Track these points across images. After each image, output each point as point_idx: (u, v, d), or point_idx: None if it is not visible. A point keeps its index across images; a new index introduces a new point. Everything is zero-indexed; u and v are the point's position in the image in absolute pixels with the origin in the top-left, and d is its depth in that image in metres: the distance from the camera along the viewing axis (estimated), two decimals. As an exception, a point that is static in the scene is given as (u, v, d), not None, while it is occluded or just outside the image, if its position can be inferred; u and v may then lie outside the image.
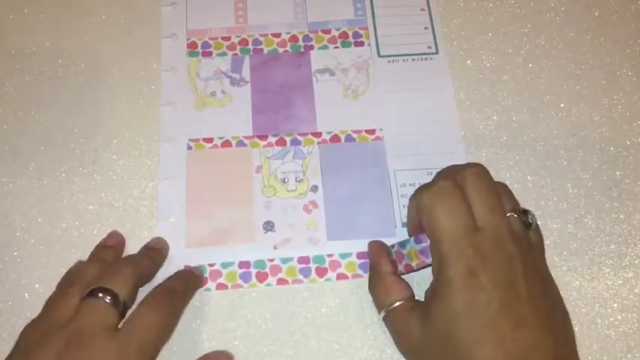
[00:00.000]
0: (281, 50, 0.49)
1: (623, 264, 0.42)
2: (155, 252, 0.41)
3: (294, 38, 0.50)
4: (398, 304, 0.37)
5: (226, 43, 0.49)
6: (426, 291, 0.37)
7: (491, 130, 0.46)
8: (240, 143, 0.46)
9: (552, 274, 0.41)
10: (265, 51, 0.49)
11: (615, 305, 0.41)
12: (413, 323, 0.35)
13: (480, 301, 0.32)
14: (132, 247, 0.43)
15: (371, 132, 0.46)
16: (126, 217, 0.44)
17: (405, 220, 0.43)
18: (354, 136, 0.46)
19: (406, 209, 0.41)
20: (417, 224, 0.37)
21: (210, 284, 0.41)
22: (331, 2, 0.51)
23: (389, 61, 0.49)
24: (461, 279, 0.33)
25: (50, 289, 0.41)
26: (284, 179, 0.45)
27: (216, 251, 0.42)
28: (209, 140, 0.46)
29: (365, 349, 0.40)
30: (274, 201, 0.44)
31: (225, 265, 0.42)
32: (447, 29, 0.50)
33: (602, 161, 0.45)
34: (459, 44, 0.49)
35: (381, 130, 0.46)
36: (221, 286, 0.41)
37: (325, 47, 0.49)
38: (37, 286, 0.42)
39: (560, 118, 0.47)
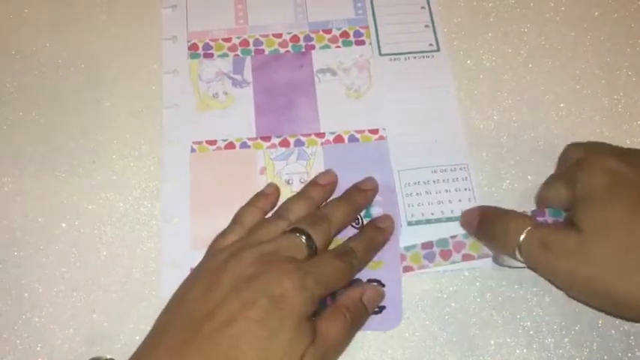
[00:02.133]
0: (282, 50, 0.49)
1: (624, 263, 0.42)
2: (361, 196, 0.42)
3: (295, 38, 0.50)
4: (532, 226, 0.37)
5: (227, 45, 0.49)
6: (565, 216, 0.38)
7: (491, 130, 0.46)
8: (244, 145, 0.46)
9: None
10: (267, 51, 0.49)
11: (616, 305, 0.41)
12: (566, 232, 0.35)
13: (630, 191, 0.34)
14: (132, 247, 0.43)
15: (374, 132, 0.46)
16: (126, 217, 0.44)
17: (410, 218, 0.43)
18: (357, 136, 0.46)
19: (410, 208, 0.43)
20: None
21: None
22: (332, 1, 0.51)
23: (390, 60, 0.49)
24: (606, 182, 0.35)
25: (50, 289, 0.41)
26: (288, 180, 0.44)
27: None
28: (212, 142, 0.46)
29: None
30: (279, 202, 0.44)
31: None
32: (447, 29, 0.50)
33: (602, 161, 0.45)
34: (459, 44, 0.49)
35: (384, 129, 0.46)
36: None
37: (327, 47, 0.49)
38: (37, 286, 0.41)
39: (560, 118, 0.47)
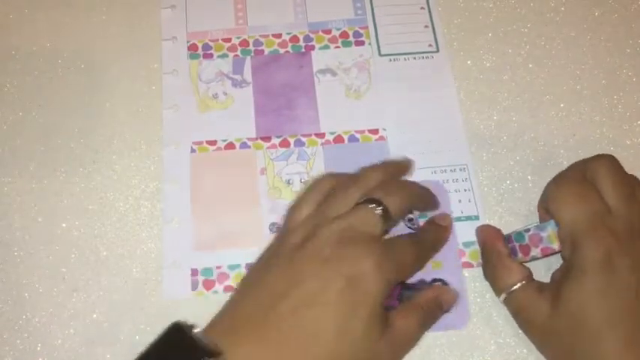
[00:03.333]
0: (282, 51, 0.49)
1: (624, 263, 0.42)
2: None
3: (294, 39, 0.50)
4: (520, 285, 0.37)
5: (227, 45, 0.49)
6: (553, 273, 0.38)
7: (491, 130, 0.46)
8: (244, 145, 0.46)
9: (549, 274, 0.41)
10: (266, 52, 0.49)
11: (616, 305, 0.41)
12: (541, 304, 0.35)
13: (617, 284, 0.33)
14: (132, 247, 0.43)
15: (374, 132, 0.46)
16: (126, 217, 0.44)
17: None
18: (358, 136, 0.46)
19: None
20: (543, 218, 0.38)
21: (218, 286, 0.41)
22: (331, 2, 0.51)
23: (390, 60, 0.49)
24: (597, 262, 0.33)
25: (50, 289, 0.41)
26: (289, 181, 0.44)
27: (224, 254, 0.42)
28: (212, 143, 0.46)
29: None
30: (280, 203, 0.44)
31: (232, 268, 0.42)
32: (447, 29, 0.50)
33: (602, 161, 0.45)
34: (459, 44, 0.49)
35: (385, 130, 0.46)
36: (228, 288, 0.41)
37: (326, 47, 0.49)
38: (37, 286, 0.41)
39: (560, 118, 0.47)
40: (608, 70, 0.48)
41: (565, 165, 0.45)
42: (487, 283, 0.41)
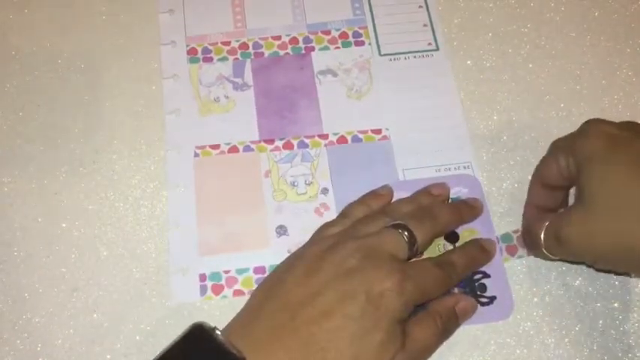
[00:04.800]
0: (282, 53, 0.49)
1: (624, 263, 0.42)
2: (467, 210, 0.42)
3: (294, 40, 0.49)
4: (545, 226, 0.37)
5: (226, 48, 0.49)
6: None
7: (491, 130, 0.46)
8: (247, 148, 0.46)
9: (553, 274, 0.41)
10: (266, 54, 0.49)
11: (616, 304, 0.41)
12: (571, 216, 0.36)
13: (624, 151, 0.35)
14: (132, 247, 0.43)
15: (377, 132, 0.46)
16: (126, 217, 0.44)
17: None
18: (361, 136, 0.46)
19: None
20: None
21: (227, 291, 0.41)
22: (329, 2, 0.51)
23: (390, 60, 0.49)
24: (600, 148, 0.35)
25: (50, 289, 0.41)
26: (294, 183, 0.44)
27: (231, 258, 0.42)
28: (215, 147, 0.46)
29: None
30: (285, 205, 0.44)
31: (240, 272, 0.42)
32: (447, 29, 0.50)
33: (602, 161, 0.45)
34: (459, 44, 0.49)
35: (387, 129, 0.46)
36: (238, 293, 0.41)
37: (326, 48, 0.49)
38: (37, 286, 0.41)
39: (560, 118, 0.47)
40: (608, 70, 0.48)
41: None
42: (487, 283, 0.41)
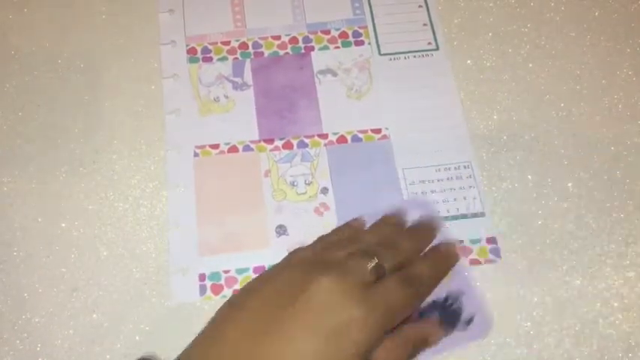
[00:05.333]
0: (282, 53, 0.49)
1: (624, 263, 0.42)
2: (426, 232, 0.41)
3: (294, 40, 0.49)
4: None
5: (226, 48, 0.49)
6: None
7: (491, 130, 0.46)
8: (247, 148, 0.46)
9: (553, 274, 0.41)
10: (266, 54, 0.49)
11: (616, 304, 0.41)
12: None
13: None
14: (132, 247, 0.43)
15: (377, 131, 0.46)
16: (126, 217, 0.44)
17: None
18: (361, 136, 0.46)
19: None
20: None
21: (227, 290, 0.41)
22: (329, 2, 0.51)
23: (390, 59, 0.49)
24: None
25: (50, 289, 0.41)
26: (293, 182, 0.44)
27: (231, 258, 0.42)
28: (215, 146, 0.46)
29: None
30: (285, 205, 0.44)
31: (240, 271, 0.42)
32: (447, 29, 0.50)
33: (602, 161, 0.45)
34: (459, 44, 0.49)
35: (387, 129, 0.46)
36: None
37: (326, 48, 0.49)
38: (37, 286, 0.41)
39: (560, 117, 0.47)
40: (608, 70, 0.48)
41: (565, 165, 0.45)
42: (488, 283, 0.41)
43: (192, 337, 0.40)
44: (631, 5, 0.51)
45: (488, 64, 0.49)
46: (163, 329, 0.40)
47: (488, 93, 0.48)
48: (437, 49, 0.49)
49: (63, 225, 0.43)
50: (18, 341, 0.40)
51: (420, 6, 0.51)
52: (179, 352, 0.39)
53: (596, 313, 0.40)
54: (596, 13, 0.51)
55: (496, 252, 0.42)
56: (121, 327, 0.40)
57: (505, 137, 0.46)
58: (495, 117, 0.47)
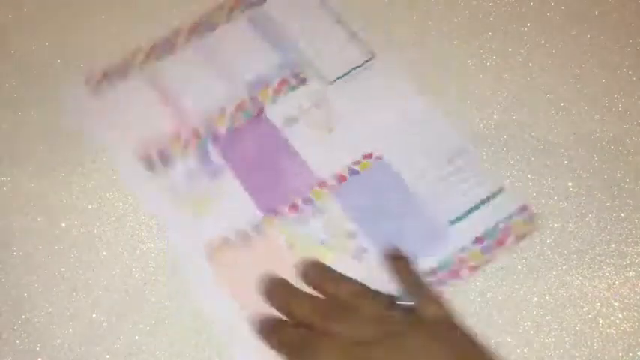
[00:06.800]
0: (236, 123, 0.46)
1: (624, 263, 0.42)
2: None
3: (241, 106, 0.46)
4: None
5: (181, 144, 0.45)
6: None
7: (491, 130, 0.46)
8: (257, 229, 0.43)
9: (553, 274, 0.42)
10: (222, 131, 0.45)
11: (616, 304, 0.41)
12: None
13: None
14: (132, 247, 0.43)
15: (368, 156, 0.45)
16: (126, 217, 0.44)
17: (450, 217, 0.43)
18: (356, 167, 0.45)
19: (444, 206, 0.43)
20: None
21: None
22: (254, 55, 0.48)
23: (339, 84, 0.47)
24: None
25: (50, 289, 0.41)
26: (323, 241, 0.42)
27: None
28: (225, 240, 0.43)
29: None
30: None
31: None
32: (447, 28, 0.50)
33: (602, 160, 0.45)
34: (459, 43, 0.49)
35: (376, 149, 0.45)
36: None
37: (274, 100, 0.47)
38: (36, 285, 0.41)
39: (560, 117, 0.47)
40: (608, 69, 0.48)
41: (565, 165, 0.45)
42: (488, 283, 0.41)
43: (193, 337, 0.40)
44: (631, 5, 0.51)
45: (488, 64, 0.49)
46: (164, 329, 0.40)
47: (489, 93, 0.48)
48: (372, 57, 0.48)
49: (63, 225, 0.43)
50: (18, 341, 0.40)
51: (337, 22, 0.49)
52: (179, 352, 0.40)
53: (596, 313, 0.40)
54: (596, 13, 0.51)
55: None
56: (120, 327, 0.40)
57: (505, 137, 0.46)
58: (495, 117, 0.47)
